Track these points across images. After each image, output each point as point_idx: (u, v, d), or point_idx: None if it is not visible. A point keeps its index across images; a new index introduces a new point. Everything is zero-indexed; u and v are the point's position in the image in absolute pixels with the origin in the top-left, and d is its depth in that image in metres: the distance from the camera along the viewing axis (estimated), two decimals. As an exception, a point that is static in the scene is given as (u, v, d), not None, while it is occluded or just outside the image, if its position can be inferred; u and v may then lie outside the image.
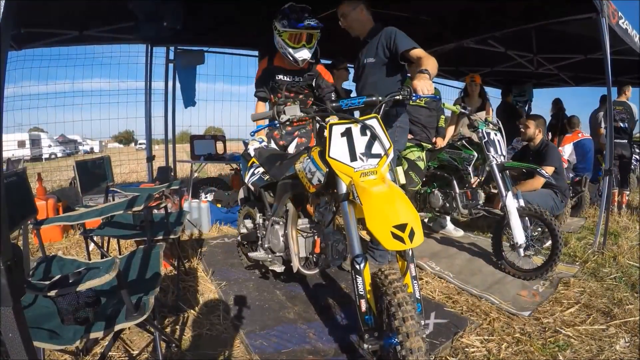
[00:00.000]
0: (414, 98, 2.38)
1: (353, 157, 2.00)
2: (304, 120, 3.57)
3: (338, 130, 2.05)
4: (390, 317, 1.68)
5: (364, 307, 1.83)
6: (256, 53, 6.68)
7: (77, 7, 4.65)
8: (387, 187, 1.90)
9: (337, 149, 2.02)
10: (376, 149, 2.05)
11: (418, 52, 2.95)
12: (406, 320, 1.60)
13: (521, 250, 3.32)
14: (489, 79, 9.29)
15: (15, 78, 6.37)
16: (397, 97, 2.34)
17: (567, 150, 6.41)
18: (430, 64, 2.71)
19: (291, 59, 3.40)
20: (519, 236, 3.32)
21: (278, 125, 2.27)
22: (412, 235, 1.67)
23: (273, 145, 3.64)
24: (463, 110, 3.91)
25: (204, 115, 8.14)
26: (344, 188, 2.01)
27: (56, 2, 4.33)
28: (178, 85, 6.68)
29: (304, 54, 3.38)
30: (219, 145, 6.54)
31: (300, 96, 3.71)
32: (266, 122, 2.30)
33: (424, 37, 6.19)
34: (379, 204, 1.79)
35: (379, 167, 2.02)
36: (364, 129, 2.07)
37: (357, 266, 1.85)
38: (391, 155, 2.06)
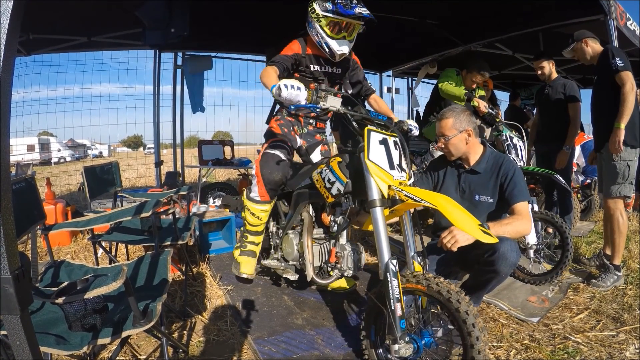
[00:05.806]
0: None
1: (391, 166, 2.07)
2: (324, 122, 3.23)
3: (376, 137, 2.11)
4: (441, 310, 1.87)
5: (399, 311, 1.82)
6: (264, 58, 6.71)
7: (85, 13, 4.71)
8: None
9: (376, 154, 2.07)
10: (404, 164, 2.16)
11: (520, 208, 2.50)
12: (469, 304, 1.73)
13: (531, 251, 3.31)
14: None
15: (25, 83, 6.47)
16: (404, 128, 2.52)
17: (575, 153, 6.32)
18: (505, 228, 2.33)
19: (327, 50, 2.80)
20: (531, 237, 3.31)
21: (319, 110, 2.15)
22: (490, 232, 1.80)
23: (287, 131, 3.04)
24: (490, 111, 4.02)
25: (212, 120, 8.17)
26: (376, 194, 2.03)
27: (65, 8, 4.39)
28: (186, 90, 6.74)
29: (344, 48, 2.78)
30: (227, 150, 6.54)
31: (336, 87, 3.14)
32: (302, 102, 2.11)
33: (432, 41, 6.23)
34: (455, 207, 1.87)
35: (406, 181, 2.12)
36: (395, 144, 2.16)
37: (393, 268, 1.86)
38: (412, 174, 2.17)
